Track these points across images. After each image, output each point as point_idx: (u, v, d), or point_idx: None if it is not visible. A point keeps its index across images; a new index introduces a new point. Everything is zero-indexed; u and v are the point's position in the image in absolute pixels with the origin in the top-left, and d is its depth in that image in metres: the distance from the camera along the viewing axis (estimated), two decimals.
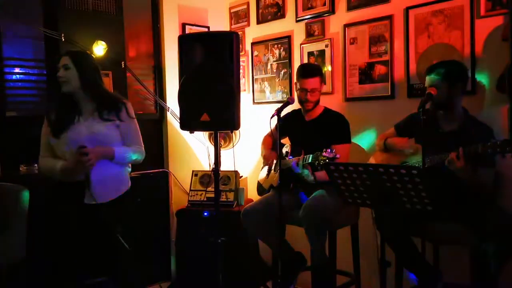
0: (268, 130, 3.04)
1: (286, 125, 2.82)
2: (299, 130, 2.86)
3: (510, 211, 2.26)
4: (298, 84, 2.75)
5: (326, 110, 2.85)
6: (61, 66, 2.26)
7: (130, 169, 2.44)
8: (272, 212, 2.58)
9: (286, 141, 2.97)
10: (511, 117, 2.27)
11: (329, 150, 2.35)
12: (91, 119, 2.27)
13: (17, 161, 2.88)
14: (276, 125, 2.51)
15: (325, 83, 3.03)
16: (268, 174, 2.94)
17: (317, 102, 2.77)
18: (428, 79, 2.28)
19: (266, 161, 2.93)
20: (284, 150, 2.90)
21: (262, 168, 3.04)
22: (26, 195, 2.51)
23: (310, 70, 2.75)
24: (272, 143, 3.03)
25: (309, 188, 2.67)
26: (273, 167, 2.90)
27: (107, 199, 2.26)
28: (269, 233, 2.68)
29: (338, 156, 2.36)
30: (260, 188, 2.99)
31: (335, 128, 2.73)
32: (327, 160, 2.33)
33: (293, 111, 2.97)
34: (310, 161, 2.45)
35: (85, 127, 2.24)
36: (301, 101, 2.77)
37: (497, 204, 2.29)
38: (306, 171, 2.54)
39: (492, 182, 2.21)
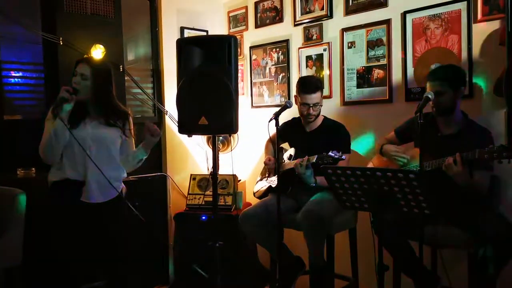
0: (266, 134, 3.03)
1: (287, 133, 2.83)
2: (300, 140, 2.84)
3: (507, 214, 2.26)
4: (299, 98, 2.73)
5: (326, 120, 2.85)
6: (78, 73, 2.28)
7: (125, 175, 2.45)
8: (270, 216, 2.58)
9: (285, 145, 2.96)
10: (509, 121, 2.27)
11: (335, 151, 2.36)
12: (97, 122, 2.34)
13: (14, 165, 2.87)
14: (276, 130, 2.50)
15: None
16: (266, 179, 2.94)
17: (318, 115, 2.77)
18: (433, 85, 2.25)
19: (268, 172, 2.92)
20: (289, 153, 2.88)
21: (259, 180, 3.02)
22: (23, 199, 2.50)
23: (312, 85, 2.71)
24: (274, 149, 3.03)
25: (308, 191, 2.67)
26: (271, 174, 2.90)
27: (102, 199, 2.31)
28: (268, 237, 2.67)
29: (344, 157, 2.38)
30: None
31: (336, 139, 2.71)
32: (331, 160, 2.36)
33: (293, 119, 2.97)
34: (314, 161, 2.45)
35: (91, 128, 2.32)
36: (303, 115, 2.78)
37: (495, 208, 2.29)
38: (309, 171, 2.54)
39: (487, 187, 2.20)
